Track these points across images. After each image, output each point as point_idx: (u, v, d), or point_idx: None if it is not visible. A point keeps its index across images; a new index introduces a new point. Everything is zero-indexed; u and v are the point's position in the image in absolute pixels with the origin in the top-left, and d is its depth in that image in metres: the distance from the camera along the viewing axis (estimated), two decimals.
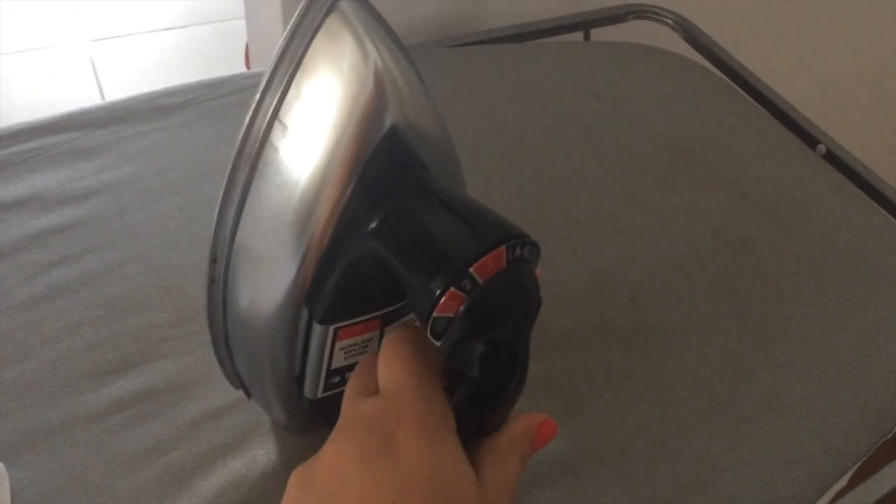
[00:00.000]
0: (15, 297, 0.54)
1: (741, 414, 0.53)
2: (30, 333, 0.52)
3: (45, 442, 0.47)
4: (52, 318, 0.53)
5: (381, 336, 0.41)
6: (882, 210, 0.71)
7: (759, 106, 0.80)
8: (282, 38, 0.33)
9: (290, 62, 0.33)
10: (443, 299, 0.32)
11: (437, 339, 0.33)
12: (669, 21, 0.85)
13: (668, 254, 0.63)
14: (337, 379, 0.43)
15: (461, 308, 0.32)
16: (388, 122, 0.33)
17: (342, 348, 0.41)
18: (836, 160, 0.73)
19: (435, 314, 0.32)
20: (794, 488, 0.50)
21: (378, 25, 0.34)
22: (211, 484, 0.47)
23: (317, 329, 0.39)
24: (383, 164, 0.35)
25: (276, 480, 0.47)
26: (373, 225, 0.35)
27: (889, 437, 0.54)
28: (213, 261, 0.39)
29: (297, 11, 0.32)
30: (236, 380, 0.47)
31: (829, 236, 0.66)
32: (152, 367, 0.52)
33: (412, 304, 0.34)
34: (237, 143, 0.35)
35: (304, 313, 0.39)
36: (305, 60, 0.33)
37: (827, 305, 0.61)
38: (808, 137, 0.75)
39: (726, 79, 0.83)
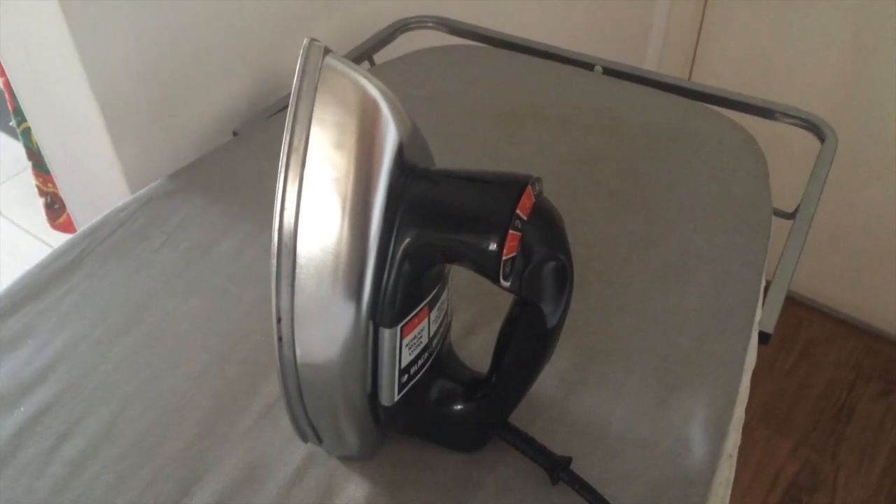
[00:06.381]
0: (38, 491, 0.54)
1: (674, 271, 0.67)
2: None
3: None
4: (89, 488, 0.54)
5: (429, 322, 0.49)
6: (658, 90, 0.89)
7: (533, 57, 0.95)
8: (291, 100, 0.39)
9: (303, 118, 0.39)
10: (506, 243, 0.40)
11: (507, 279, 0.42)
12: (431, 24, 0.98)
13: (549, 189, 0.75)
14: (405, 378, 0.49)
15: (519, 245, 0.41)
16: (398, 136, 0.41)
17: (407, 345, 0.47)
18: (612, 72, 0.90)
19: (504, 257, 0.41)
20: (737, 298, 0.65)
21: (357, 66, 0.41)
22: None
23: (385, 335, 0.46)
24: (398, 172, 0.42)
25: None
26: (413, 224, 0.42)
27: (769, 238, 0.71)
28: (279, 321, 0.44)
29: (296, 75, 0.39)
30: (309, 430, 0.51)
31: (642, 126, 0.83)
32: (211, 476, 0.54)
33: (474, 264, 0.42)
34: (276, 205, 0.41)
35: (370, 328, 0.45)
36: (315, 112, 0.39)
37: (673, 174, 0.77)
38: (584, 65, 0.91)
39: (496, 48, 0.98)
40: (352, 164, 0.41)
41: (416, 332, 0.47)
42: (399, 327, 0.45)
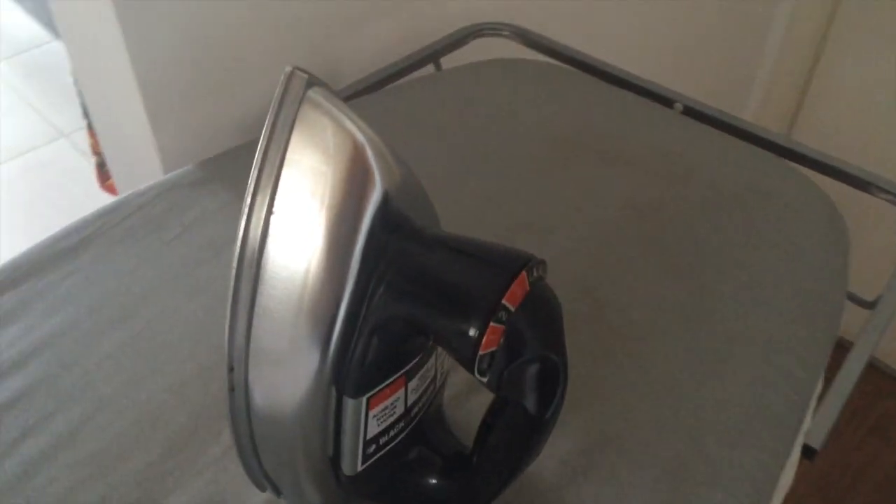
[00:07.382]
0: None
1: (717, 356, 0.59)
2: None
3: None
4: (40, 493, 0.51)
5: (407, 393, 0.43)
6: (741, 140, 0.80)
7: (607, 84, 0.88)
8: (262, 136, 0.34)
9: (274, 158, 0.34)
10: (485, 336, 0.34)
11: (483, 374, 0.36)
12: (506, 33, 0.91)
13: (594, 235, 0.68)
14: (373, 448, 0.44)
15: (502, 339, 0.35)
16: (382, 188, 0.35)
17: (375, 416, 0.42)
18: (693, 112, 0.81)
19: (481, 352, 0.35)
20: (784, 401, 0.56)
21: (343, 104, 0.36)
22: None
23: (349, 404, 0.40)
24: (381, 229, 0.37)
25: None
26: (389, 289, 0.37)
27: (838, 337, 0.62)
28: (231, 370, 0.40)
29: (272, 108, 0.34)
30: (265, 482, 0.47)
31: (715, 178, 0.74)
32: None
33: (448, 349, 0.37)
34: (236, 250, 0.36)
35: (333, 392, 0.40)
36: (289, 154, 0.34)
37: (738, 239, 0.69)
38: (663, 100, 0.83)
39: (571, 67, 0.90)
40: (324, 215, 0.35)
41: (387, 402, 0.42)
42: (365, 398, 0.40)
